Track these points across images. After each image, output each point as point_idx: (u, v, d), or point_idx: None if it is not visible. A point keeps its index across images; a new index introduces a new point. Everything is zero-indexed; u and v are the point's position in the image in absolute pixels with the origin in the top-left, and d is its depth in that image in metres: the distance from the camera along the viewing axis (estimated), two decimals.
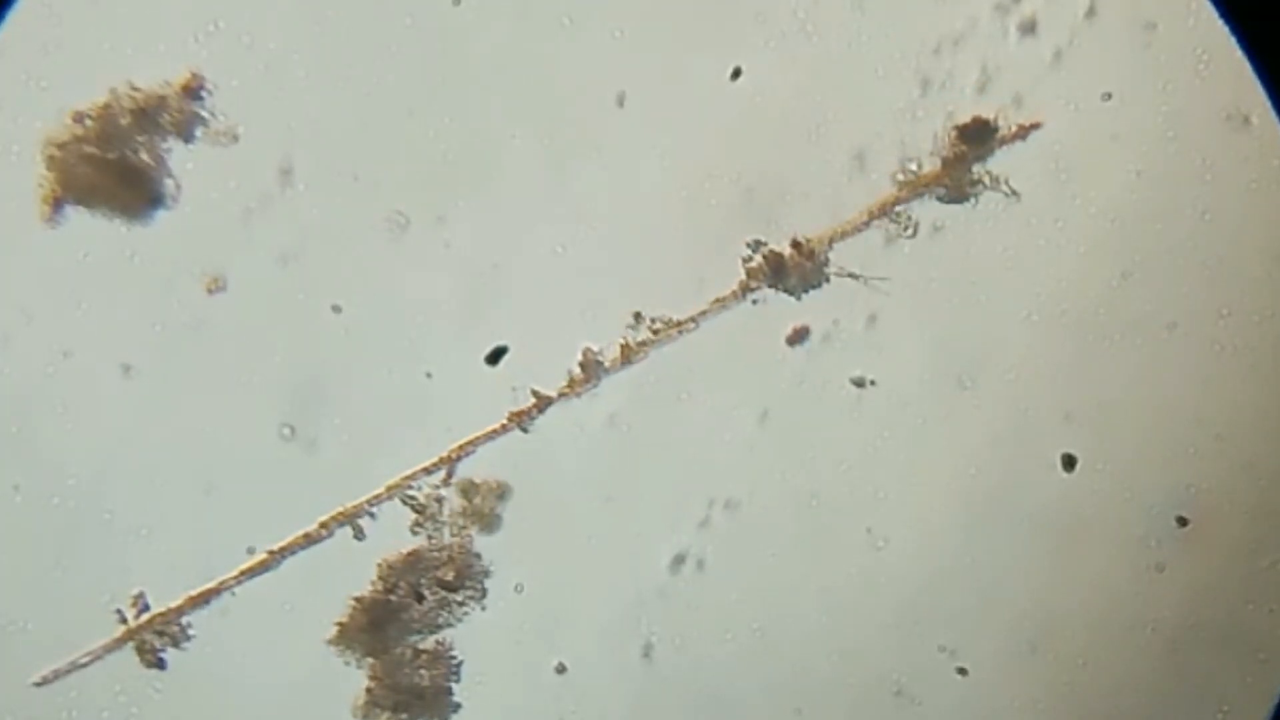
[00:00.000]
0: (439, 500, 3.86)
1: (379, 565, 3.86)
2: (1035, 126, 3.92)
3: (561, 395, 3.89)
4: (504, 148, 3.85)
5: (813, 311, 3.96)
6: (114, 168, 3.65)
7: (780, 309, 3.95)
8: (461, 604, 3.89)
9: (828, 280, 3.93)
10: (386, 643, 3.86)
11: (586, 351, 3.86)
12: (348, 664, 3.86)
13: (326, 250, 3.82)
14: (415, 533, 3.86)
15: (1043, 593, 4.09)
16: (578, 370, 3.89)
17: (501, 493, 3.89)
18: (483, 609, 3.90)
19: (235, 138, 3.72)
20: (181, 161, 3.72)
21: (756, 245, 3.90)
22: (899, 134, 3.94)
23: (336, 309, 3.83)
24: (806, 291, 3.93)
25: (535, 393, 3.88)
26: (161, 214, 3.72)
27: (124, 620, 3.76)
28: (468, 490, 3.88)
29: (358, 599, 3.85)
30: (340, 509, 3.83)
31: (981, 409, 4.05)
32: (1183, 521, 4.06)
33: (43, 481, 3.75)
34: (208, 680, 3.83)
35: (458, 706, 3.92)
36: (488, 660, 3.94)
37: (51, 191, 3.66)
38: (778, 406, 3.99)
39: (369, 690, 3.87)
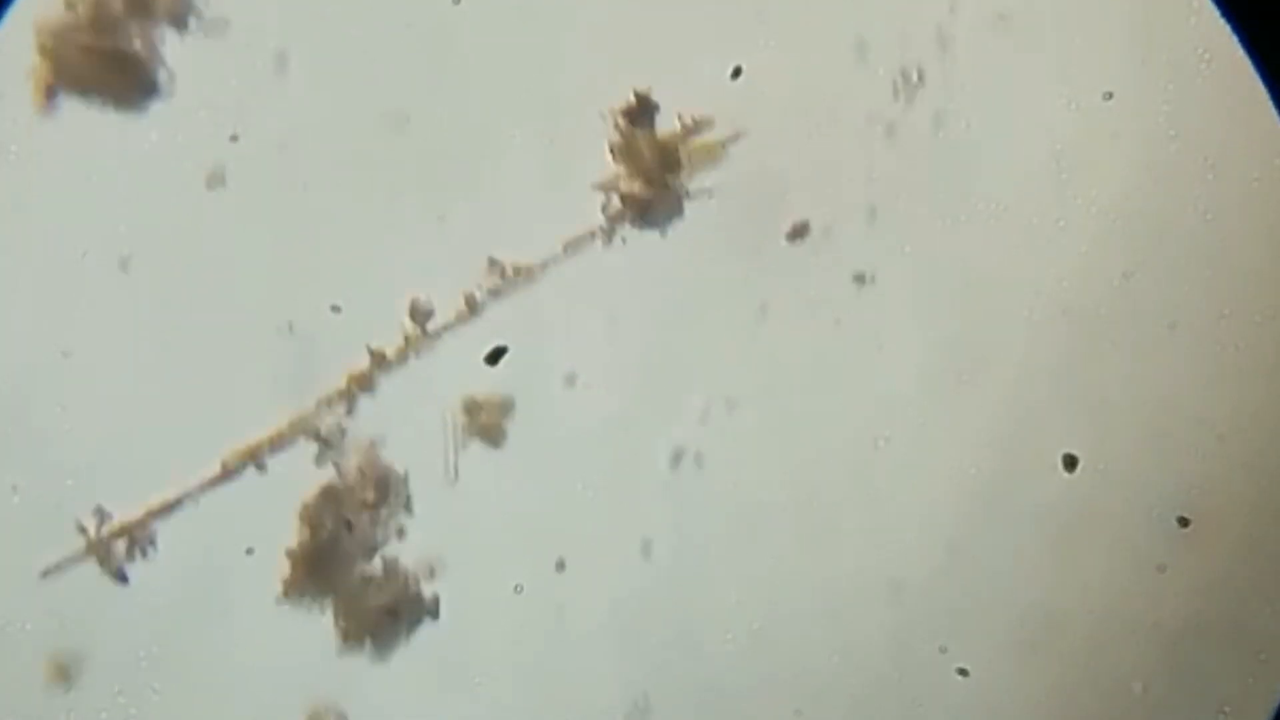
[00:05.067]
0: (341, 430, 3.82)
1: (298, 510, 3.82)
2: (708, 124, 3.91)
3: (399, 355, 3.84)
4: (504, 148, 3.85)
5: (813, 309, 3.97)
6: (107, 56, 3.62)
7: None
8: (391, 516, 3.85)
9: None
10: (334, 581, 3.82)
11: (415, 302, 3.82)
12: (309, 611, 3.85)
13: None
14: (320, 464, 3.81)
15: (1043, 593, 4.09)
16: (409, 323, 3.84)
17: (506, 408, 3.87)
18: (410, 514, 3.86)
19: (228, 23, 3.68)
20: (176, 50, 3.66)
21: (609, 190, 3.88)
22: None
23: (336, 309, 3.83)
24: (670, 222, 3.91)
25: (371, 350, 3.81)
26: (156, 104, 3.68)
27: (84, 532, 3.73)
28: (471, 408, 3.86)
29: (289, 551, 3.81)
30: (245, 445, 3.77)
31: (982, 409, 4.05)
32: (1184, 522, 4.06)
33: (42, 482, 3.74)
34: (205, 680, 3.84)
35: (436, 600, 3.90)
36: (482, 556, 3.92)
37: (44, 80, 3.62)
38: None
39: (341, 629, 3.85)
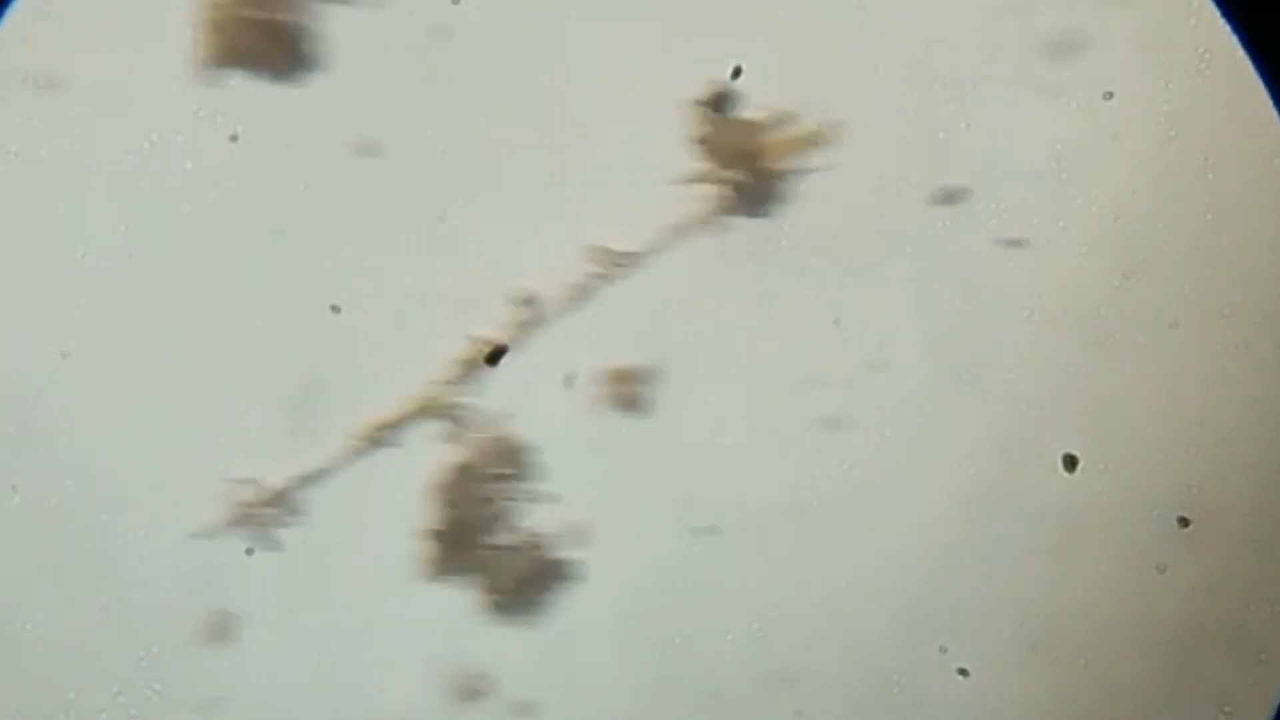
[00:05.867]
0: (466, 408, 3.81)
1: (431, 489, 3.83)
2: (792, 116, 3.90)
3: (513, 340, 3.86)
4: (504, 148, 3.85)
5: (817, 305, 3.97)
6: (266, 28, 3.64)
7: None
8: (527, 488, 3.86)
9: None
10: (477, 556, 3.83)
11: (519, 288, 3.83)
12: (453, 588, 3.85)
13: None
14: (450, 441, 3.83)
15: (1043, 593, 4.08)
16: (522, 310, 3.86)
17: (648, 377, 3.86)
18: (543, 484, 3.87)
19: None
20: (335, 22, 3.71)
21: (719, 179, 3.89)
22: (899, 133, 3.95)
23: (335, 309, 3.83)
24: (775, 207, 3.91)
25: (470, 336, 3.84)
26: (316, 76, 3.71)
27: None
28: (615, 378, 3.85)
29: (426, 530, 3.82)
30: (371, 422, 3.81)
31: (982, 408, 4.05)
32: (1185, 522, 4.06)
33: (42, 482, 3.75)
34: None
35: (579, 566, 3.91)
36: (626, 523, 3.95)
37: (205, 52, 3.65)
38: None
39: (486, 602, 3.86)
